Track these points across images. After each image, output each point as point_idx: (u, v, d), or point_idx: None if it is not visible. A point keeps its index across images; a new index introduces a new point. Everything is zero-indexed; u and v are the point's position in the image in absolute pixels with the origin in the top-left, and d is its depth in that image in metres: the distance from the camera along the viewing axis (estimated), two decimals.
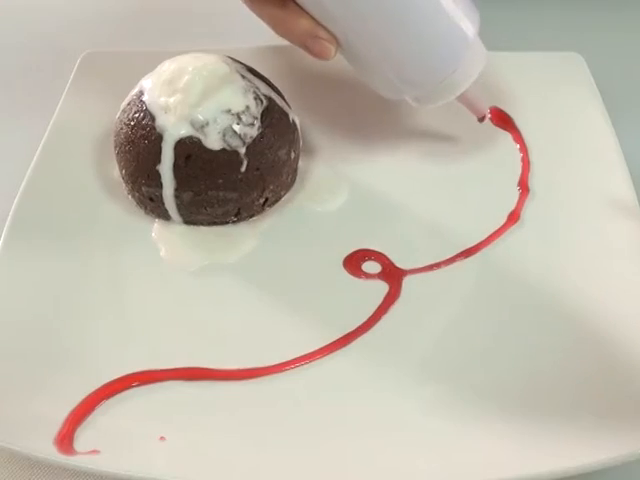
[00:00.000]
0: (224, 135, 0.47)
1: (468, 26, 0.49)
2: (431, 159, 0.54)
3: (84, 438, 0.40)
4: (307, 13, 0.46)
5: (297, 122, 0.52)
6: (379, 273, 0.48)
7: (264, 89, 0.50)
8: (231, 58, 0.50)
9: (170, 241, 0.49)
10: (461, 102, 0.52)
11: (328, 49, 0.47)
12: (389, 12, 0.46)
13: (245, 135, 0.48)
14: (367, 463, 0.40)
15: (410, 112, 0.56)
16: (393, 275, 0.47)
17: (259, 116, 0.49)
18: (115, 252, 0.49)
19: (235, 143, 0.48)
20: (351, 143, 0.55)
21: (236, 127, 0.48)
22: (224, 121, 0.48)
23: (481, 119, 0.54)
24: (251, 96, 0.49)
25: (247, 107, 0.48)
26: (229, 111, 0.48)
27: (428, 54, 0.48)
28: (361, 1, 0.46)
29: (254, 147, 0.48)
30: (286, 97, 0.52)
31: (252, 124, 0.48)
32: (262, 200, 0.50)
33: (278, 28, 0.47)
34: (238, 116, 0.48)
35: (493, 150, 0.54)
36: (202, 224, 0.50)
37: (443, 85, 0.49)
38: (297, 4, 0.46)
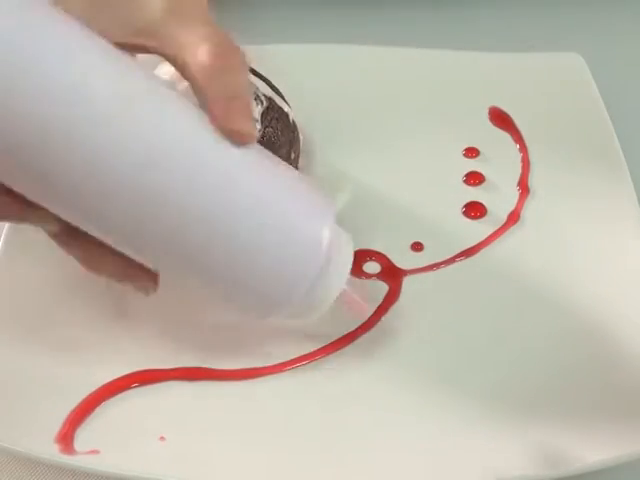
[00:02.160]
0: None
1: (317, 227, 0.38)
2: (431, 159, 0.54)
3: (84, 438, 0.40)
4: (115, 251, 0.38)
5: (297, 122, 0.52)
6: (379, 273, 0.48)
7: (264, 89, 0.50)
8: None
9: None
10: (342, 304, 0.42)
11: (145, 286, 0.40)
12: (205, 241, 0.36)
13: None
14: (367, 463, 0.40)
15: (410, 112, 0.56)
16: (393, 275, 0.47)
17: (259, 118, 0.49)
18: None
19: None
20: (351, 143, 0.55)
21: None
22: None
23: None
24: (251, 97, 0.49)
25: None
26: None
27: (270, 279, 0.38)
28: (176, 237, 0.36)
29: None
30: (286, 97, 0.52)
31: None
32: None
33: (86, 267, 0.39)
34: None
35: (493, 150, 0.54)
36: None
37: (305, 301, 0.39)
38: (102, 243, 0.38)
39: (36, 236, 0.48)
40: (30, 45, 0.32)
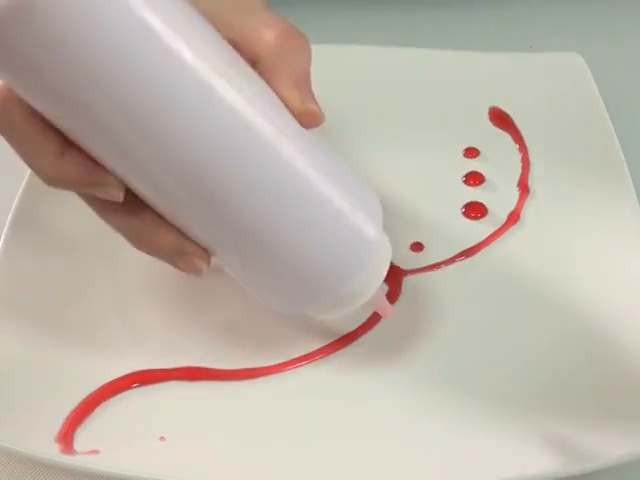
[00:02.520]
0: None
1: (368, 225, 0.39)
2: (431, 159, 0.54)
3: (84, 438, 0.40)
4: (169, 223, 0.37)
5: None
6: None
7: None
8: None
9: None
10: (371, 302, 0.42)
11: (198, 266, 0.38)
12: (263, 224, 0.36)
13: None
14: (367, 463, 0.40)
15: (410, 112, 0.56)
16: (393, 275, 0.47)
17: None
18: (116, 252, 0.48)
19: None
20: (351, 143, 0.55)
21: None
22: None
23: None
24: None
25: None
26: None
27: (319, 267, 0.38)
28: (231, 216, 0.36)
29: None
30: None
31: None
32: None
33: (136, 241, 0.38)
34: None
35: (493, 150, 0.54)
36: None
37: (342, 295, 0.39)
38: (156, 213, 0.37)
39: (36, 236, 0.49)
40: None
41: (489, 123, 0.56)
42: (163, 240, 0.37)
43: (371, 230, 0.38)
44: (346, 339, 0.44)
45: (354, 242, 0.38)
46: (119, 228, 0.38)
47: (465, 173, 0.53)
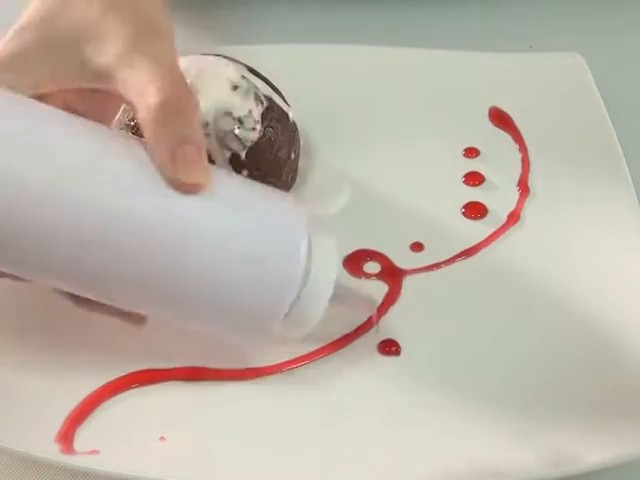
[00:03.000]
0: (224, 138, 0.47)
1: (288, 243, 0.38)
2: (431, 159, 0.54)
3: (84, 438, 0.40)
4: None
5: (297, 122, 0.52)
6: (379, 273, 0.48)
7: (264, 89, 0.50)
8: (231, 58, 0.50)
9: None
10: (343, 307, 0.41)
11: (136, 321, 0.41)
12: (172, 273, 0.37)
13: (246, 139, 0.48)
14: (367, 463, 0.40)
15: (410, 112, 0.56)
16: (393, 275, 0.47)
17: (259, 118, 0.49)
18: None
19: (235, 147, 0.48)
20: (351, 143, 0.55)
21: (237, 131, 0.48)
22: (225, 125, 0.47)
23: (369, 321, 0.44)
24: (252, 97, 0.49)
25: (250, 111, 0.48)
26: (230, 114, 0.48)
27: (254, 305, 0.38)
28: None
29: (254, 147, 0.48)
30: (286, 97, 0.52)
31: (254, 128, 0.48)
32: None
33: (79, 307, 0.40)
34: (240, 120, 0.48)
35: (493, 150, 0.54)
36: None
37: (292, 317, 0.38)
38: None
39: None
40: None
41: (489, 123, 0.56)
42: (101, 308, 0.39)
43: (295, 248, 0.38)
44: (346, 339, 0.44)
45: (278, 270, 0.37)
46: (64, 297, 0.40)
47: (465, 173, 0.53)
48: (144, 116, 0.36)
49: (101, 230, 0.35)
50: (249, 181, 0.40)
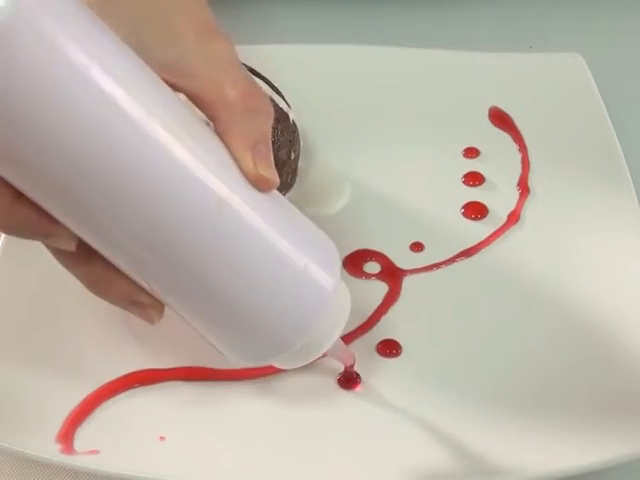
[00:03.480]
0: None
1: (323, 278, 0.37)
2: (431, 159, 0.54)
3: (84, 438, 0.40)
4: (123, 272, 0.37)
5: (297, 122, 0.52)
6: (379, 273, 0.48)
7: (264, 89, 0.50)
8: None
9: None
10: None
11: (150, 317, 0.38)
12: (213, 274, 0.35)
13: None
14: (367, 463, 0.40)
15: (410, 112, 0.56)
16: (393, 275, 0.47)
17: None
18: None
19: None
20: (351, 143, 0.55)
21: None
22: None
23: (350, 367, 0.43)
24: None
25: None
26: None
27: (275, 322, 0.37)
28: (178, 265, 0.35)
29: None
30: (286, 97, 0.52)
31: None
32: None
33: (92, 289, 0.38)
34: None
35: (493, 150, 0.54)
36: None
37: (300, 347, 0.37)
38: (107, 262, 0.37)
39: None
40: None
41: (489, 123, 0.56)
42: (118, 290, 0.37)
43: (326, 282, 0.37)
44: (346, 339, 0.44)
45: (309, 296, 0.37)
46: (75, 275, 0.38)
47: (465, 173, 0.53)
48: (224, 112, 0.36)
49: (171, 196, 0.34)
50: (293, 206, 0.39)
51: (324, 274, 0.37)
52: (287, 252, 0.36)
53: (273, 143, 0.49)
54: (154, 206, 0.33)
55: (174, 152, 0.33)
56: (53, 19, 0.30)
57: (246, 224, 0.35)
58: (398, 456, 0.40)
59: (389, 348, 0.44)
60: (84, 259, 0.36)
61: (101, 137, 0.32)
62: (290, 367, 0.39)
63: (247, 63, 0.51)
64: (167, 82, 0.36)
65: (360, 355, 0.44)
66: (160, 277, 0.36)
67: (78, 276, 0.37)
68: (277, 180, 0.36)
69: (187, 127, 0.34)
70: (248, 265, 0.36)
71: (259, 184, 0.36)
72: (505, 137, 0.55)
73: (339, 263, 0.38)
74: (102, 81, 0.31)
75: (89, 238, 0.35)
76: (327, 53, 0.59)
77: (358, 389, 0.43)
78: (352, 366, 0.43)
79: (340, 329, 0.38)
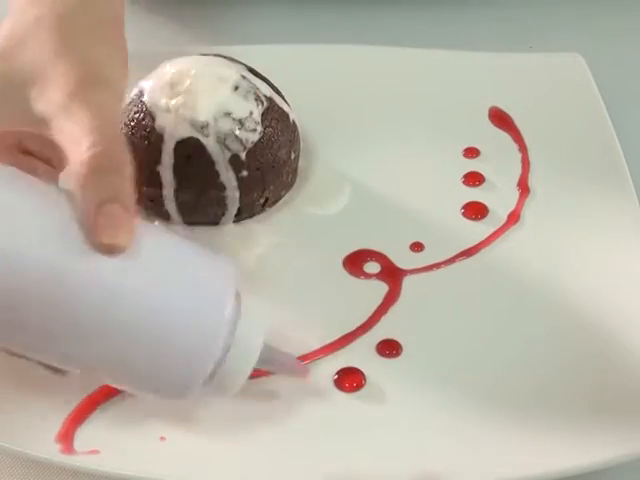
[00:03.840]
0: (225, 139, 0.47)
1: (210, 315, 0.37)
2: (431, 159, 0.54)
3: (84, 438, 0.40)
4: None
5: (297, 122, 0.52)
6: (379, 273, 0.48)
7: (264, 89, 0.50)
8: (231, 58, 0.50)
9: None
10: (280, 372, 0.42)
11: (58, 372, 0.40)
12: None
13: (247, 140, 0.48)
14: (367, 463, 0.40)
15: (410, 112, 0.56)
16: (393, 275, 0.47)
17: (259, 118, 0.49)
18: None
19: (236, 148, 0.48)
20: (351, 143, 0.55)
21: (238, 132, 0.48)
22: (225, 125, 0.47)
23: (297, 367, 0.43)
24: (252, 97, 0.49)
25: (250, 113, 0.48)
26: (230, 115, 0.48)
27: (171, 370, 0.37)
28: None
29: (254, 148, 0.48)
30: (286, 97, 0.52)
31: (254, 129, 0.48)
32: (262, 200, 0.50)
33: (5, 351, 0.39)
34: (240, 122, 0.48)
35: (493, 150, 0.54)
36: (202, 224, 0.50)
37: (216, 380, 0.38)
38: None
39: None
40: None
41: (489, 123, 0.56)
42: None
43: (215, 317, 0.37)
44: (345, 339, 0.44)
45: (197, 339, 0.37)
46: None
47: (465, 173, 0.53)
48: (74, 169, 0.35)
49: (15, 287, 0.34)
50: (179, 238, 0.39)
51: (211, 311, 0.37)
52: (163, 307, 0.36)
53: (273, 143, 0.49)
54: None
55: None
56: None
57: (95, 295, 0.35)
58: (398, 456, 0.40)
59: (389, 348, 0.44)
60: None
61: None
62: (220, 397, 0.39)
63: (247, 63, 0.51)
64: (44, 134, 0.37)
65: (360, 355, 0.44)
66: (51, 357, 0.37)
67: None
68: (122, 244, 0.35)
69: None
70: (127, 330, 0.36)
71: (100, 250, 0.34)
72: (505, 137, 0.55)
73: (234, 286, 0.38)
74: None
75: None
76: (327, 53, 0.59)
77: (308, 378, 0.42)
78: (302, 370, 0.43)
79: (259, 344, 0.38)
